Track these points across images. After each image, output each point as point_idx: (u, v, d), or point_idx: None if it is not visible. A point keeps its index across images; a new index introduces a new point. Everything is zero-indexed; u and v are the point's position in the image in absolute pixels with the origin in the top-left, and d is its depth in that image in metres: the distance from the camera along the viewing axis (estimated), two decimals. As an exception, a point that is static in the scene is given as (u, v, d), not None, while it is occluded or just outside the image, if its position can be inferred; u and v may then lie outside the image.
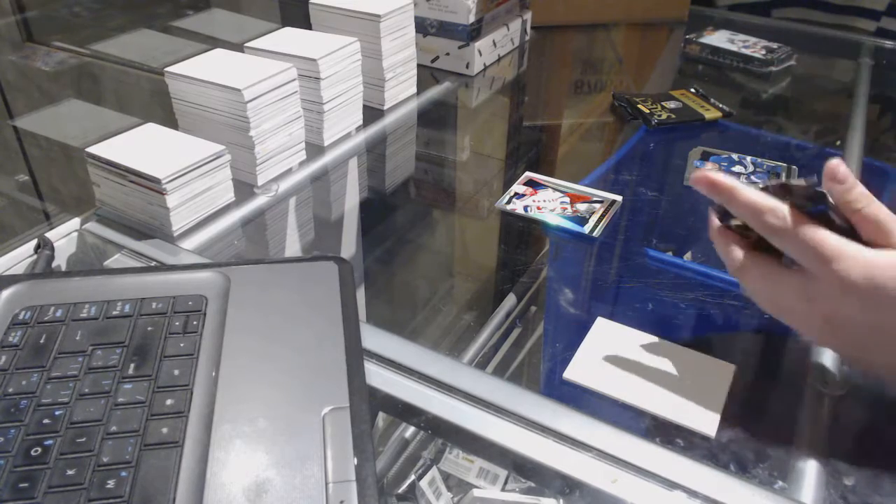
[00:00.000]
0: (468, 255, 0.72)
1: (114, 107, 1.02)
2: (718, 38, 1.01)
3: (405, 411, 0.44)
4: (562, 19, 1.08)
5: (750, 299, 0.45)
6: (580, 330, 0.52)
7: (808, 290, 0.41)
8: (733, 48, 0.98)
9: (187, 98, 0.65)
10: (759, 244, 0.44)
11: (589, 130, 0.89)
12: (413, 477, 0.59)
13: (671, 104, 0.84)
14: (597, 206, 0.66)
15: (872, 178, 0.73)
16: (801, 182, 0.40)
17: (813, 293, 0.41)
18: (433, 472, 0.60)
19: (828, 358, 0.49)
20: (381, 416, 0.52)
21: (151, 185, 0.56)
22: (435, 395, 0.44)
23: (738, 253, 0.44)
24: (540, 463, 0.40)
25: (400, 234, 0.73)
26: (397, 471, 0.58)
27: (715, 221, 0.47)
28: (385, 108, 0.81)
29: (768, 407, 0.48)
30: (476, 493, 0.58)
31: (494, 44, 0.94)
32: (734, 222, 0.45)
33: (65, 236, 0.59)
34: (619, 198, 0.67)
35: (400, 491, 0.59)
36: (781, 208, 0.41)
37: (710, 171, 0.45)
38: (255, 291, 0.48)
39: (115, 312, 0.45)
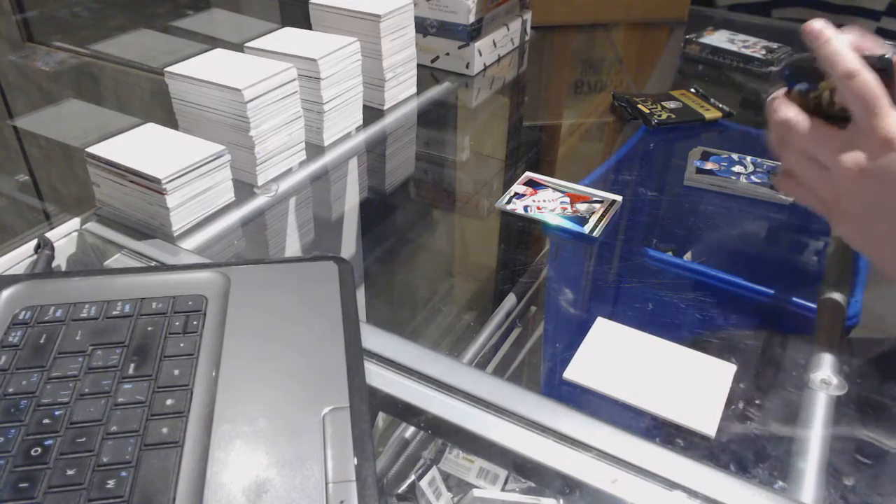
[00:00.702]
0: (468, 255, 0.72)
1: (114, 107, 1.02)
2: (718, 38, 1.01)
3: (405, 411, 0.44)
4: (562, 19, 1.08)
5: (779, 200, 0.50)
6: (580, 330, 0.52)
7: (849, 142, 0.44)
8: (733, 48, 0.98)
9: (187, 98, 0.65)
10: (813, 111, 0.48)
11: (589, 130, 0.89)
12: (413, 477, 0.59)
13: (671, 104, 0.84)
14: (597, 206, 0.66)
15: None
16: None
17: (852, 144, 0.44)
18: (433, 472, 0.60)
19: (828, 358, 0.49)
20: (381, 416, 0.52)
21: (151, 185, 0.56)
22: (435, 395, 0.44)
23: (793, 111, 0.48)
24: (540, 463, 0.40)
25: (400, 234, 0.73)
26: (397, 471, 0.58)
27: (778, 95, 0.50)
28: (385, 108, 0.81)
29: (768, 407, 0.48)
30: (476, 493, 0.58)
31: (494, 44, 0.94)
32: (798, 87, 0.49)
33: (65, 236, 0.59)
34: (619, 198, 0.67)
35: (400, 491, 0.59)
36: (858, 60, 0.44)
37: (822, 23, 0.47)
38: (255, 291, 0.48)
39: (115, 312, 0.45)
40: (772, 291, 0.56)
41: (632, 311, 0.56)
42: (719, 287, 0.58)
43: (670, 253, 0.65)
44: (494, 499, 0.57)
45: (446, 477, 0.62)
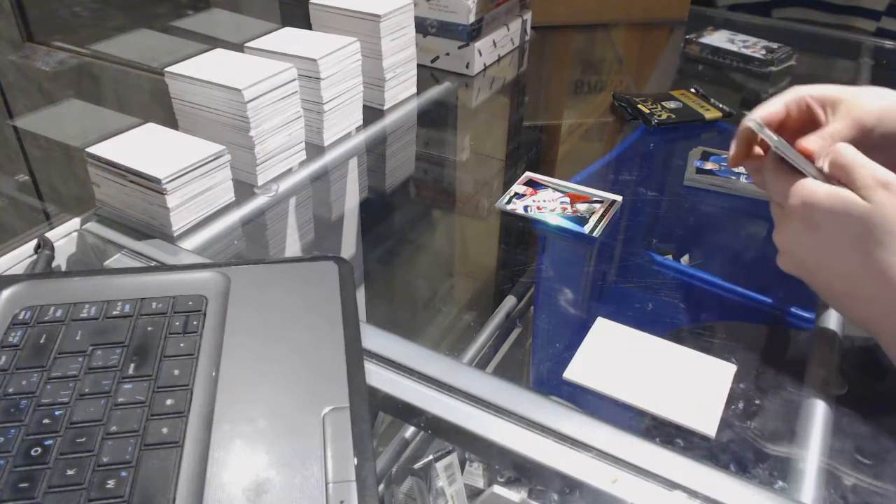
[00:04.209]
0: (468, 255, 0.72)
1: (114, 107, 1.02)
2: (718, 38, 1.01)
3: (405, 411, 0.44)
4: (562, 19, 1.08)
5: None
6: (580, 330, 0.52)
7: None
8: (733, 48, 0.98)
9: (187, 98, 0.65)
10: None
11: (589, 130, 0.89)
12: (430, 457, 0.58)
13: (671, 104, 0.84)
14: (597, 206, 0.66)
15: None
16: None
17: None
18: (452, 457, 0.59)
19: (828, 358, 0.49)
20: (381, 416, 0.52)
21: (151, 185, 0.56)
22: (435, 395, 0.44)
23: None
24: (540, 463, 0.40)
25: (400, 234, 0.73)
26: (397, 471, 0.58)
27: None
28: (385, 108, 0.81)
29: (768, 407, 0.48)
30: (496, 489, 0.57)
31: (494, 44, 0.94)
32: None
33: (65, 236, 0.59)
34: (619, 198, 0.67)
35: (414, 467, 0.58)
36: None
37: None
38: (255, 291, 0.48)
39: (115, 312, 0.45)
40: (770, 301, 0.56)
41: (632, 311, 0.56)
42: (719, 294, 0.58)
43: (670, 256, 0.65)
44: (514, 500, 0.57)
45: (468, 488, 0.61)
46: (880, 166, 0.44)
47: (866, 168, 0.44)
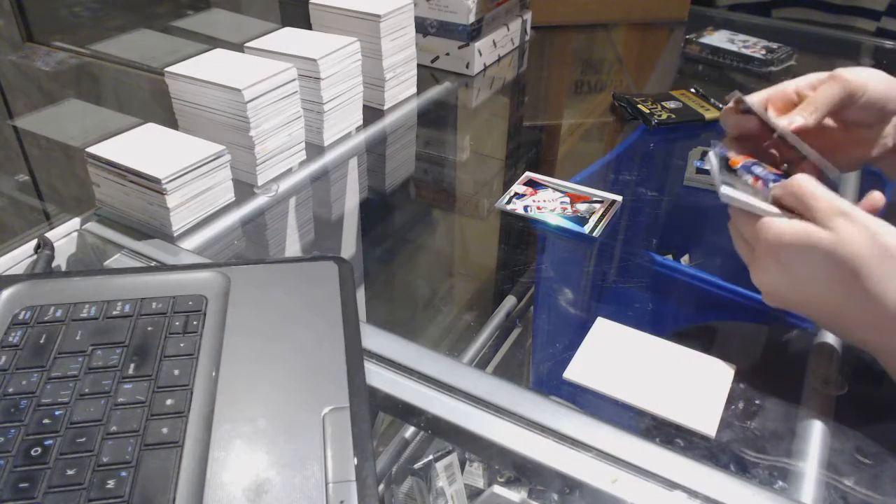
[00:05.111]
0: (468, 255, 0.72)
1: (114, 107, 1.02)
2: (718, 38, 1.01)
3: (405, 411, 0.44)
4: (562, 19, 1.08)
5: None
6: (580, 330, 0.52)
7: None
8: (733, 48, 0.98)
9: (187, 98, 0.65)
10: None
11: (589, 131, 0.89)
12: (430, 457, 0.58)
13: (671, 104, 0.84)
14: (597, 206, 0.66)
15: (869, 184, 0.73)
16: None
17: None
18: (452, 457, 0.59)
19: (828, 358, 0.49)
20: (381, 416, 0.52)
21: (151, 185, 0.56)
22: (435, 395, 0.44)
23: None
24: (540, 463, 0.40)
25: (400, 234, 0.73)
26: (397, 471, 0.58)
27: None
28: (385, 108, 0.81)
29: (768, 407, 0.48)
30: (496, 489, 0.57)
31: (494, 44, 0.94)
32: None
33: (65, 236, 0.59)
34: (619, 198, 0.67)
35: (415, 467, 0.58)
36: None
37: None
38: (255, 291, 0.48)
39: (115, 312, 0.45)
40: None
41: (632, 311, 0.56)
42: (720, 294, 0.58)
43: (670, 257, 0.65)
44: (514, 500, 0.57)
45: (468, 488, 0.61)
46: (837, 196, 0.43)
47: (824, 199, 0.43)
